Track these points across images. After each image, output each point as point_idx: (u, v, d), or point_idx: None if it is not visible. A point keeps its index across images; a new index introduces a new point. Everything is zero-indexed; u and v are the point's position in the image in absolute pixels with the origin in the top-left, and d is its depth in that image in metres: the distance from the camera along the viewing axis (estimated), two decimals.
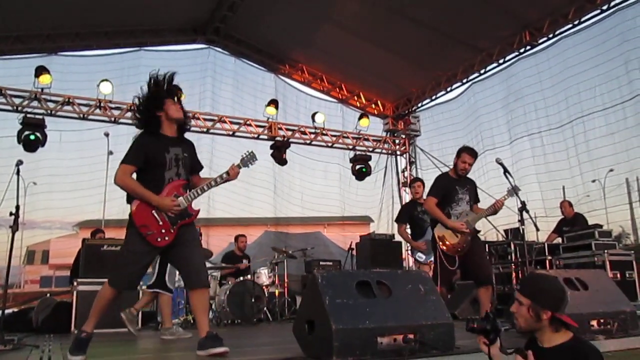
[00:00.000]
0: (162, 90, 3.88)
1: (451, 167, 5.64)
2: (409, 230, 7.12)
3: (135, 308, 5.78)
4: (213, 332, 3.68)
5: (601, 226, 7.74)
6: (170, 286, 5.76)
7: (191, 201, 3.72)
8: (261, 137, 11.28)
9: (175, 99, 3.91)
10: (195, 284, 3.70)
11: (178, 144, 3.80)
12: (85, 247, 6.83)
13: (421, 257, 6.89)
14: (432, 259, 6.75)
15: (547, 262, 7.60)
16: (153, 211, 3.57)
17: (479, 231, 5.47)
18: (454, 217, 5.30)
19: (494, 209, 5.29)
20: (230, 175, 3.85)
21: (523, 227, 5.26)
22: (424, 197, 6.51)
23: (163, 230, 3.58)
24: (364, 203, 12.61)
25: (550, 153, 9.80)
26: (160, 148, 3.70)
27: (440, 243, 5.25)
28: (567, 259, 7.40)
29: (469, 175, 5.66)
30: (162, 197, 3.60)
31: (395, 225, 7.63)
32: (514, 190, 5.27)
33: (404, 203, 12.47)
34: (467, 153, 5.41)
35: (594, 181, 9.65)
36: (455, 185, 5.37)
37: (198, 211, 3.81)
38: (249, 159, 3.99)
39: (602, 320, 4.04)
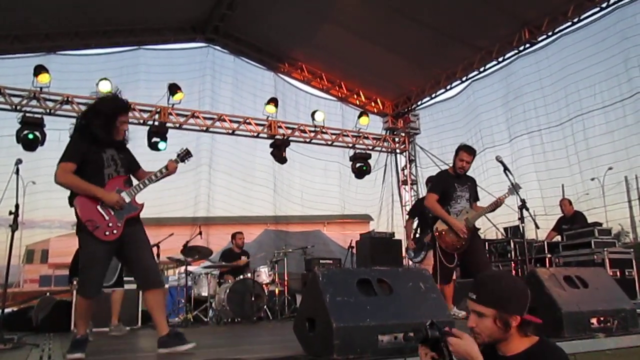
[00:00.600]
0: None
1: (450, 164, 5.67)
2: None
3: (114, 321, 6.00)
4: (175, 330, 3.78)
5: (601, 224, 7.75)
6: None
7: (135, 195, 3.77)
8: (261, 135, 11.28)
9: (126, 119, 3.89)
10: (149, 284, 3.77)
11: (111, 146, 3.83)
12: None
13: (410, 254, 7.18)
14: (419, 259, 6.93)
15: (547, 260, 7.61)
16: (98, 206, 3.60)
17: (478, 229, 5.49)
18: (453, 215, 5.32)
19: (494, 207, 5.34)
20: (169, 170, 3.92)
21: (523, 225, 5.28)
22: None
23: (110, 224, 3.60)
24: (363, 201, 12.62)
25: (550, 151, 9.80)
26: (96, 147, 3.73)
27: (440, 240, 5.27)
28: (567, 257, 7.40)
29: (469, 174, 5.69)
30: (106, 191, 3.63)
31: (396, 223, 7.72)
32: (514, 189, 5.30)
33: (403, 201, 12.53)
34: (465, 151, 5.46)
35: (593, 179, 9.65)
36: (454, 183, 5.41)
37: (142, 205, 3.82)
38: (184, 155, 4.11)
39: (602, 318, 4.03)
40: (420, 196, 12.31)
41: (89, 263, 3.63)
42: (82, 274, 3.67)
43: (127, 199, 3.71)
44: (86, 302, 3.63)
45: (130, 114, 10.38)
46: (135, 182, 3.89)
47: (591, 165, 9.23)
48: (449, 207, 5.31)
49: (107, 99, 3.99)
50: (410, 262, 7.24)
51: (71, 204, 3.64)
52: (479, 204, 5.66)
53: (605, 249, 6.90)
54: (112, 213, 3.63)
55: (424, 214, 7.06)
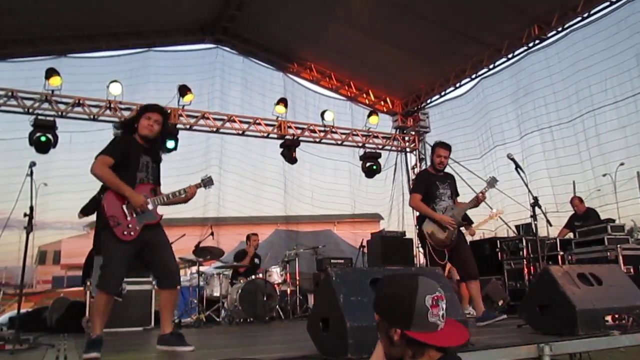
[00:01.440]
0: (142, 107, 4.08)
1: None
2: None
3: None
4: (177, 331, 3.92)
5: (613, 220, 7.69)
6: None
7: (157, 205, 3.89)
8: (271, 135, 11.30)
9: (153, 118, 3.99)
10: (169, 284, 3.90)
11: (148, 154, 3.98)
12: None
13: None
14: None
15: (560, 257, 7.57)
16: (123, 205, 3.72)
17: (463, 224, 5.52)
18: (439, 212, 5.34)
19: (476, 202, 5.41)
20: (187, 193, 4.08)
21: (535, 222, 5.26)
22: None
23: (130, 225, 3.71)
24: (374, 200, 12.60)
25: (561, 147, 9.74)
26: (136, 149, 3.90)
27: (429, 239, 5.29)
28: (580, 254, 7.36)
29: (448, 170, 5.77)
30: (135, 192, 3.74)
31: (406, 222, 7.74)
32: (493, 182, 5.38)
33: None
34: (441, 147, 5.54)
35: (604, 175, 9.58)
36: (435, 181, 5.47)
37: (162, 216, 3.94)
38: (207, 182, 4.31)
39: (616, 316, 4.02)
40: None
41: (109, 259, 3.71)
42: (103, 269, 3.75)
43: (150, 207, 3.82)
44: (106, 297, 3.69)
45: None
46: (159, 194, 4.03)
47: (603, 162, 9.16)
48: (434, 204, 5.35)
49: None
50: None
51: (99, 195, 3.74)
52: (459, 199, 5.68)
53: (619, 246, 6.85)
54: (134, 215, 3.74)
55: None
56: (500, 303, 7.41)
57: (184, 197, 4.04)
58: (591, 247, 7.21)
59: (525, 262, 7.84)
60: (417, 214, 5.65)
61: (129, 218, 3.71)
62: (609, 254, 6.89)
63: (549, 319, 3.98)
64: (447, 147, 5.53)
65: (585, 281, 4.13)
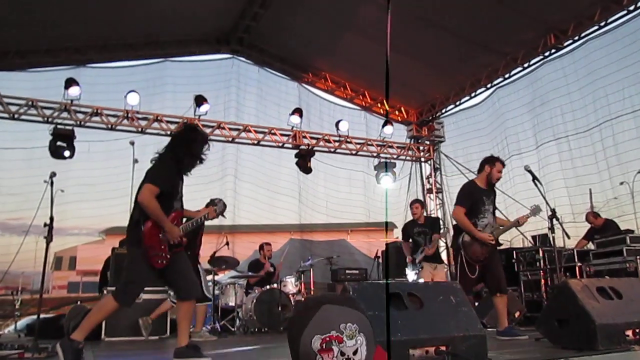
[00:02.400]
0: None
1: (476, 174, 5.63)
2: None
3: (151, 317, 6.43)
4: (193, 343, 4.01)
5: (632, 231, 7.58)
6: (208, 295, 6.33)
7: (184, 232, 4.06)
8: (286, 145, 11.34)
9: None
10: (189, 295, 4.04)
11: (182, 178, 4.17)
12: (115, 256, 6.96)
13: (408, 270, 7.41)
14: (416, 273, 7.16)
15: (577, 268, 7.47)
16: (160, 234, 3.87)
17: (500, 244, 5.50)
18: (479, 228, 5.30)
19: (517, 224, 5.35)
20: (209, 217, 4.38)
21: (553, 234, 5.21)
22: (423, 216, 7.65)
23: (163, 254, 3.90)
24: (388, 210, 12.57)
25: (578, 157, 9.64)
26: (178, 178, 4.06)
27: (464, 251, 5.25)
28: (598, 265, 7.26)
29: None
30: (173, 225, 3.93)
31: None
32: (537, 210, 5.32)
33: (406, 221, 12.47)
34: (501, 163, 5.50)
35: (622, 184, 9.46)
36: (482, 196, 5.39)
37: (186, 240, 4.11)
38: (222, 209, 4.59)
39: (637, 330, 3.96)
40: (446, 205, 12.25)
41: (137, 279, 3.90)
42: (127, 285, 3.90)
43: (182, 233, 4.02)
44: (115, 308, 3.84)
45: (157, 125, 10.63)
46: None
47: (621, 171, 9.06)
48: (477, 220, 5.29)
49: (197, 130, 4.28)
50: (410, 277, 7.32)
51: (138, 221, 3.87)
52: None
53: (638, 257, 6.73)
54: (167, 244, 3.91)
55: (412, 238, 7.52)
56: (516, 314, 7.33)
57: (208, 218, 4.31)
58: (609, 258, 7.10)
59: (542, 273, 7.74)
60: (454, 223, 5.61)
61: (162, 247, 3.89)
62: (628, 265, 6.79)
63: (567, 333, 3.94)
64: (504, 164, 5.56)
65: (605, 295, 4.09)
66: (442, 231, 7.30)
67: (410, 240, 7.55)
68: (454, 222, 5.57)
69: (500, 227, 5.38)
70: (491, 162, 5.45)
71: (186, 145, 4.03)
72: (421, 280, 7.03)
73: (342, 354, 1.32)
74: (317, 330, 1.43)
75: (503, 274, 5.38)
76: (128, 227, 3.98)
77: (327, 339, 1.40)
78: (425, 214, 7.85)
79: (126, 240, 4.08)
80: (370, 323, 2.33)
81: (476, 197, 5.34)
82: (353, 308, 2.32)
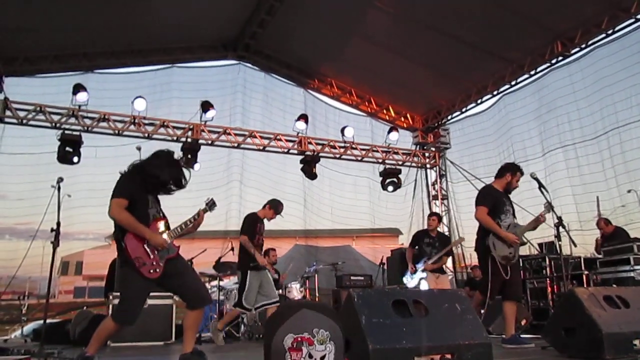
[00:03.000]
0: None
1: (492, 180, 5.67)
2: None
3: (220, 324, 6.71)
4: (198, 349, 3.97)
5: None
6: (247, 306, 6.33)
7: (174, 238, 4.02)
8: (291, 151, 11.36)
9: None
10: (198, 304, 3.99)
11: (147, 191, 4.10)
12: None
13: (408, 279, 7.42)
14: (415, 284, 7.19)
15: (584, 276, 7.43)
16: (144, 245, 3.83)
17: (525, 243, 5.47)
18: (503, 229, 5.29)
19: (536, 224, 5.32)
20: (199, 217, 4.18)
21: (560, 242, 5.19)
22: (437, 230, 7.63)
23: (154, 263, 3.84)
24: (394, 216, 12.55)
25: (585, 165, 9.59)
26: (142, 189, 3.99)
27: (496, 253, 5.21)
28: (605, 273, 7.21)
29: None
30: (154, 233, 3.86)
31: None
32: (549, 207, 5.27)
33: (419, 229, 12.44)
34: (522, 173, 5.55)
35: (629, 191, 9.41)
36: (502, 198, 5.43)
37: (179, 247, 4.08)
38: (211, 205, 4.37)
39: None
40: (452, 212, 12.22)
41: (133, 295, 3.85)
42: (124, 304, 3.88)
43: (168, 241, 3.95)
44: (116, 328, 3.83)
45: (164, 131, 10.67)
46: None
47: (629, 179, 9.00)
48: (499, 220, 5.27)
49: (169, 160, 4.10)
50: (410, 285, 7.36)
51: (118, 239, 3.84)
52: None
53: None
54: (156, 253, 3.86)
55: (420, 246, 7.47)
56: (523, 323, 7.29)
57: (193, 224, 4.15)
58: (617, 266, 7.07)
59: (548, 281, 7.70)
60: (478, 226, 5.58)
61: (151, 256, 3.83)
62: (635, 274, 6.75)
63: (574, 342, 3.92)
64: (523, 174, 5.62)
65: (612, 304, 4.06)
66: (456, 238, 7.25)
67: (417, 247, 7.54)
68: (476, 225, 5.56)
69: (522, 228, 5.36)
70: (513, 170, 5.51)
71: (146, 165, 4.01)
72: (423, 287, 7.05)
73: (310, 356, 1.38)
74: (291, 329, 1.53)
75: (520, 281, 5.38)
76: (118, 249, 3.93)
77: (299, 339, 1.49)
78: (439, 228, 7.84)
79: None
80: (342, 336, 2.40)
81: (497, 198, 5.35)
82: (330, 317, 2.43)
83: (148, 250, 3.82)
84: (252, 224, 6.62)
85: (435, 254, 7.29)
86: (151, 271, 3.80)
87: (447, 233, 12.36)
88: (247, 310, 6.46)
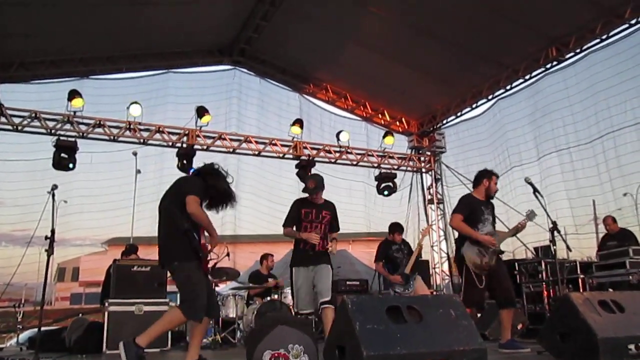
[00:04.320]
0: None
1: (472, 189, 5.68)
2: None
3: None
4: (202, 357, 3.98)
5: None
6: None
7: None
8: (286, 156, 11.35)
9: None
10: (214, 313, 4.16)
11: None
12: (116, 268, 6.93)
13: (399, 289, 7.18)
14: (411, 289, 7.02)
15: (580, 280, 7.44)
16: (204, 242, 4.05)
17: (503, 252, 5.47)
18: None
19: (515, 231, 5.34)
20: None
21: (555, 247, 5.21)
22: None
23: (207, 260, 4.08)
24: (389, 221, 12.46)
25: (580, 169, 9.63)
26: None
27: (468, 262, 5.22)
28: (601, 277, 7.23)
29: (466, 192, 5.79)
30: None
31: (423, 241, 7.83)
32: (532, 215, 5.33)
33: (430, 220, 12.42)
34: (496, 176, 5.55)
35: (625, 195, 9.44)
36: (480, 206, 5.41)
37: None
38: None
39: None
40: (447, 216, 12.23)
41: (200, 290, 3.90)
42: (196, 300, 3.87)
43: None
44: (182, 321, 4.01)
45: (159, 136, 10.64)
46: None
47: (624, 183, 9.05)
48: (477, 229, 5.28)
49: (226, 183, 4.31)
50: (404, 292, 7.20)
51: (184, 234, 3.89)
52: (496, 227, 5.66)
53: None
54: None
55: (389, 256, 7.41)
56: (519, 327, 7.30)
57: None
58: (612, 270, 7.08)
59: (544, 285, 7.71)
60: (456, 235, 5.60)
61: (206, 254, 4.06)
62: (631, 277, 6.76)
63: (570, 347, 3.92)
64: (498, 176, 5.66)
65: (607, 308, 4.06)
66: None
67: (386, 258, 7.49)
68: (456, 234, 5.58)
69: (501, 236, 5.37)
70: (488, 175, 5.51)
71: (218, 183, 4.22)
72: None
73: None
74: (269, 346, 1.75)
75: (512, 286, 5.37)
76: (170, 242, 3.97)
77: (276, 354, 1.69)
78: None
79: (169, 256, 4.01)
80: (316, 347, 2.68)
81: (474, 207, 5.36)
82: (303, 332, 2.72)
83: (205, 247, 4.04)
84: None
85: (407, 257, 7.25)
86: (205, 267, 4.00)
87: (442, 238, 12.40)
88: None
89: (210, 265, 4.23)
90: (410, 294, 7.00)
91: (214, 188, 4.15)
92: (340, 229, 5.66)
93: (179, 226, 3.85)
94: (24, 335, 8.43)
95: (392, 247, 7.49)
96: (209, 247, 4.07)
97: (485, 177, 5.50)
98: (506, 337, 5.20)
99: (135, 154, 10.26)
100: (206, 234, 4.09)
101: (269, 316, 3.81)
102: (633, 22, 8.38)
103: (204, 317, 3.91)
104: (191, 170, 4.66)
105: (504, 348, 5.09)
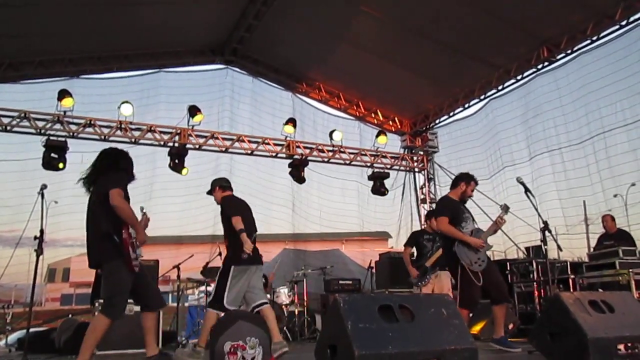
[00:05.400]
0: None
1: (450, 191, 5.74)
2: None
3: (200, 344, 5.46)
4: (164, 351, 4.10)
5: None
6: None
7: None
8: (279, 155, 11.33)
9: None
10: (156, 306, 4.21)
11: None
12: None
13: (414, 280, 7.04)
14: (424, 282, 6.81)
15: (570, 280, 7.48)
16: (132, 240, 3.94)
17: (491, 247, 5.51)
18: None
19: (497, 227, 5.38)
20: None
21: (546, 247, 5.23)
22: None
23: (134, 258, 3.96)
24: (382, 220, 12.57)
25: (571, 169, 9.67)
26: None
27: (464, 260, 5.23)
28: (591, 277, 7.26)
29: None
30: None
31: None
32: (505, 208, 5.40)
33: (422, 219, 12.44)
34: (476, 182, 5.68)
35: (615, 196, 9.50)
36: (460, 206, 5.52)
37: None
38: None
39: (629, 345, 3.95)
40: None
41: (122, 290, 3.94)
42: (114, 298, 3.92)
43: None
44: (108, 324, 3.93)
45: (151, 136, 10.60)
46: None
47: (614, 184, 9.09)
48: (461, 228, 5.33)
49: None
50: (416, 288, 7.06)
51: (107, 234, 3.89)
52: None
53: (631, 270, 6.75)
54: (135, 249, 3.96)
55: (419, 243, 7.21)
56: (510, 327, 7.32)
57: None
58: (602, 271, 7.12)
59: (535, 285, 7.75)
60: (441, 242, 5.64)
61: (132, 252, 3.93)
62: (620, 278, 6.80)
63: (560, 346, 3.93)
64: (477, 183, 5.74)
65: (597, 308, 4.08)
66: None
67: (416, 245, 7.27)
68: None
69: (485, 232, 5.41)
70: (467, 179, 5.62)
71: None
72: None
73: (244, 358, 1.96)
74: (229, 338, 2.19)
75: (503, 282, 5.42)
76: (95, 243, 3.97)
77: (235, 345, 2.07)
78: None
79: (96, 257, 4.03)
80: (269, 341, 3.12)
81: (455, 207, 5.44)
82: (258, 327, 3.10)
83: (133, 245, 3.93)
84: None
85: (436, 250, 6.96)
86: (134, 265, 3.91)
87: None
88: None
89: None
90: (423, 288, 6.84)
91: (127, 170, 4.25)
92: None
93: (101, 227, 3.91)
94: (13, 337, 8.35)
95: (424, 235, 7.27)
96: (137, 244, 3.99)
97: (463, 180, 5.62)
98: (499, 333, 5.22)
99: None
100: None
101: (231, 313, 3.94)
102: (624, 23, 8.43)
103: (149, 312, 4.12)
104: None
105: (497, 344, 5.11)
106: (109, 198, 3.82)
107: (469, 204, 5.78)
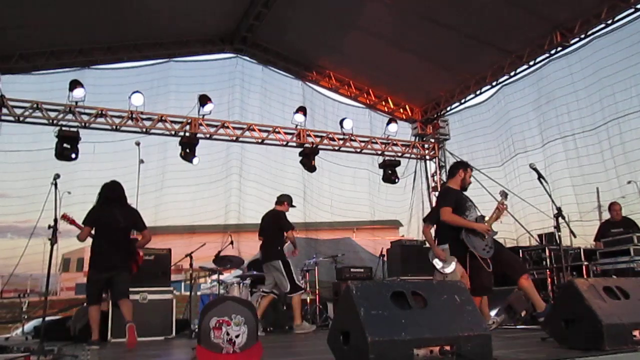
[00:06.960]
0: None
1: (450, 180, 5.76)
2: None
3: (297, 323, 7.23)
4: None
5: None
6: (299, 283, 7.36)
7: None
8: (290, 144, 11.33)
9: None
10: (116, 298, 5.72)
11: None
12: None
13: (438, 263, 6.00)
14: (451, 270, 6.38)
15: (584, 267, 7.42)
16: None
17: (496, 232, 5.51)
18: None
19: (499, 213, 5.39)
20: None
21: (559, 233, 5.19)
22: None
23: None
24: (393, 208, 12.54)
25: (585, 155, 9.56)
26: None
27: (472, 246, 5.22)
28: (605, 264, 7.20)
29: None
30: None
31: None
32: (504, 194, 5.49)
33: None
34: (472, 169, 5.71)
35: (629, 182, 9.38)
36: (462, 195, 5.54)
37: None
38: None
39: None
40: None
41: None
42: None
43: None
44: (97, 309, 5.69)
45: (162, 125, 10.66)
46: None
47: (629, 170, 8.96)
48: (466, 216, 5.33)
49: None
50: (439, 275, 6.62)
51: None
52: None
53: None
54: None
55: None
56: (523, 314, 7.29)
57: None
58: (617, 257, 7.04)
59: (548, 272, 7.70)
60: (443, 233, 5.60)
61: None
62: (635, 265, 6.74)
63: (574, 333, 3.90)
64: (473, 169, 5.79)
65: (612, 295, 4.03)
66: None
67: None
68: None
69: (489, 218, 5.42)
70: (464, 167, 5.63)
71: None
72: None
73: (227, 334, 2.08)
74: (216, 314, 2.42)
75: (517, 257, 5.43)
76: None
77: (221, 321, 2.23)
78: None
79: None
80: (256, 322, 3.18)
81: (458, 196, 5.45)
82: (246, 308, 3.14)
83: None
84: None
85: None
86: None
87: None
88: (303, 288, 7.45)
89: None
90: (448, 275, 5.84)
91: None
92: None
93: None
94: (30, 325, 8.49)
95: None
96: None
97: (461, 167, 5.63)
98: (540, 307, 5.21)
99: (138, 143, 10.21)
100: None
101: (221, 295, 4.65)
102: (639, 6, 8.26)
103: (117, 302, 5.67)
104: None
105: (541, 317, 5.09)
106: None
107: (478, 192, 5.79)
